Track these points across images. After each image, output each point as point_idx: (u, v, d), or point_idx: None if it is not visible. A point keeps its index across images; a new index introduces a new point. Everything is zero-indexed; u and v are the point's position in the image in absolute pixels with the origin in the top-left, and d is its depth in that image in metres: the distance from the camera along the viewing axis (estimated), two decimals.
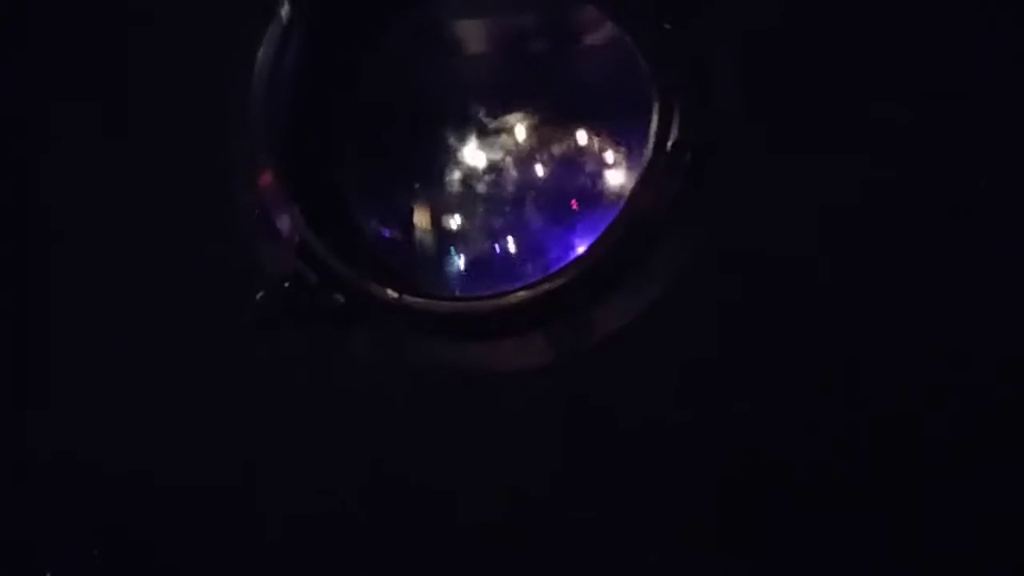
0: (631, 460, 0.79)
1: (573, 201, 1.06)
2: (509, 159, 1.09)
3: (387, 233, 1.05)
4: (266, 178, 0.94)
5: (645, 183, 0.88)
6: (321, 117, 1.02)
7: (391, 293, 0.90)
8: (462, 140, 1.07)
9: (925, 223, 0.72)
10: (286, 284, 0.90)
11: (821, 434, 0.73)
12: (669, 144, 0.85)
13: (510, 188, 1.10)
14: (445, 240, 1.08)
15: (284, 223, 0.93)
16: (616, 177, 1.03)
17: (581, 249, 1.03)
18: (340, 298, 0.91)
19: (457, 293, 0.99)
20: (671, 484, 0.77)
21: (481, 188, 1.09)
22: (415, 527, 0.85)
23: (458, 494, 0.84)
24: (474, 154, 1.07)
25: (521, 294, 0.87)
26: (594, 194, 1.06)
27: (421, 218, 1.11)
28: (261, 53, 0.97)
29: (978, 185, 0.71)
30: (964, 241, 0.71)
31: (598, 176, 1.06)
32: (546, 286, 0.85)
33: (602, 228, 0.97)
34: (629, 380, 0.80)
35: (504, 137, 1.09)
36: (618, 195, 1.06)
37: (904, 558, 0.70)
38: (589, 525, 0.80)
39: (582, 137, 1.07)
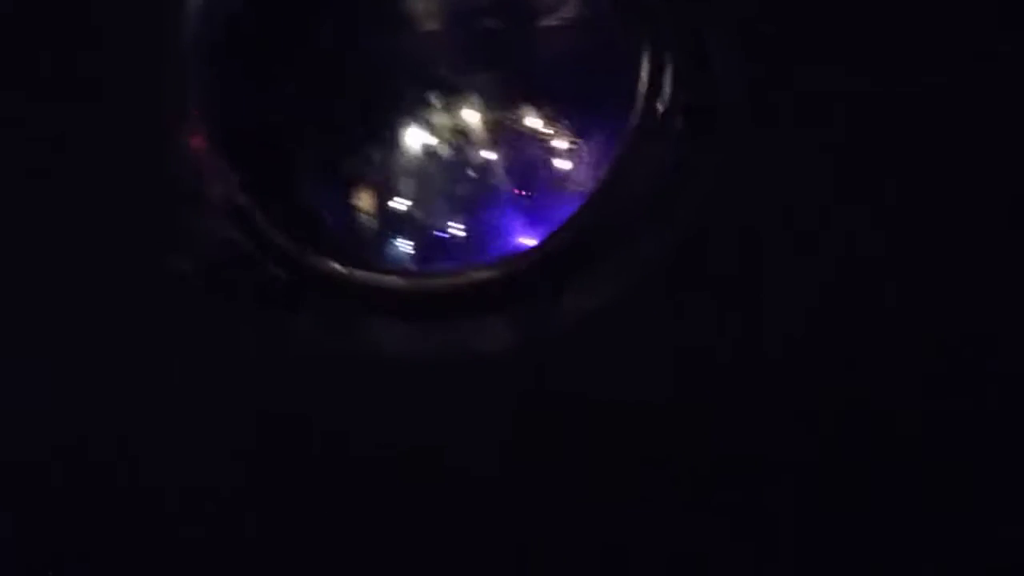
0: (594, 448, 0.70)
1: (522, 188, 0.97)
2: (458, 141, 1.01)
3: (327, 212, 0.95)
4: (198, 141, 0.82)
5: (629, 153, 0.81)
6: (263, 84, 0.91)
7: (339, 268, 0.79)
8: (410, 119, 0.98)
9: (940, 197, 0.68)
10: (218, 256, 0.77)
11: (817, 427, 0.67)
12: (659, 106, 0.79)
13: (458, 171, 1.00)
14: (388, 222, 0.98)
15: (218, 189, 0.81)
16: (567, 164, 0.95)
17: (529, 239, 0.94)
18: (281, 273, 0.79)
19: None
20: (634, 473, 0.69)
21: (427, 170, 1.00)
22: (362, 517, 0.74)
23: (409, 480, 0.73)
24: (421, 135, 0.98)
25: (486, 273, 0.78)
26: (544, 180, 0.97)
27: (364, 199, 1.00)
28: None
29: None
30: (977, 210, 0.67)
31: (549, 163, 0.98)
32: (516, 264, 0.76)
33: (551, 216, 0.88)
34: (599, 366, 0.72)
35: (454, 118, 1.00)
36: (569, 183, 0.99)
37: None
38: (546, 510, 0.71)
39: (535, 122, 0.98)
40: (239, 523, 0.90)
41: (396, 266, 0.99)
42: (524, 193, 1.05)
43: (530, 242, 1.01)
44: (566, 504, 0.85)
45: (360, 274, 0.86)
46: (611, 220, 0.82)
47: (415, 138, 1.05)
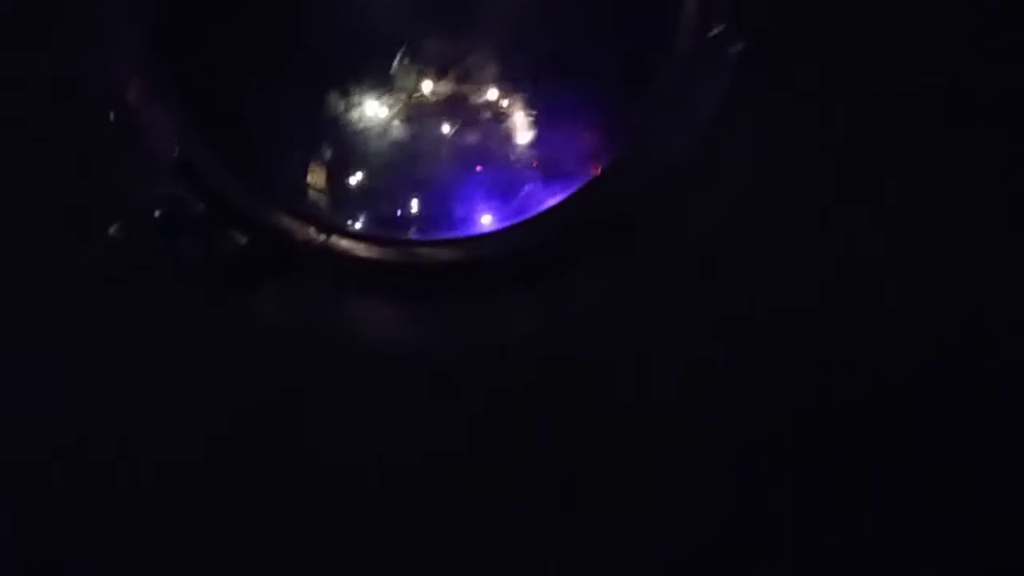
0: (619, 437, 0.65)
1: (478, 164, 0.91)
2: (416, 113, 0.94)
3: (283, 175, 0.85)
4: (138, 83, 0.70)
5: (678, 80, 0.72)
6: (211, 33, 0.80)
7: (314, 233, 0.68)
8: (367, 90, 0.90)
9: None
10: (157, 213, 0.64)
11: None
12: (712, 33, 0.70)
13: (415, 145, 0.93)
14: (343, 196, 0.89)
15: (161, 129, 0.68)
16: (525, 139, 0.89)
17: (485, 215, 0.87)
18: (240, 237, 0.67)
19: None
20: (650, 462, 0.64)
21: (384, 142, 0.92)
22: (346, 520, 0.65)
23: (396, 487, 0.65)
24: (377, 106, 0.90)
25: (495, 241, 0.69)
26: (501, 156, 0.91)
27: (316, 172, 0.91)
28: None
29: None
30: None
31: (507, 138, 0.92)
32: (540, 231, 0.68)
33: (508, 193, 0.82)
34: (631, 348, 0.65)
35: (412, 89, 0.93)
36: (526, 159, 0.93)
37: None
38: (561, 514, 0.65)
39: (493, 95, 0.92)
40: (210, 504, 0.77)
41: (385, 233, 0.86)
42: (477, 169, 0.98)
43: (487, 218, 0.95)
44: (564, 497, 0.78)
45: (341, 242, 0.74)
46: (637, 177, 0.74)
47: (369, 109, 0.97)
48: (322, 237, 0.68)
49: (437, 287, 0.72)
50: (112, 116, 0.71)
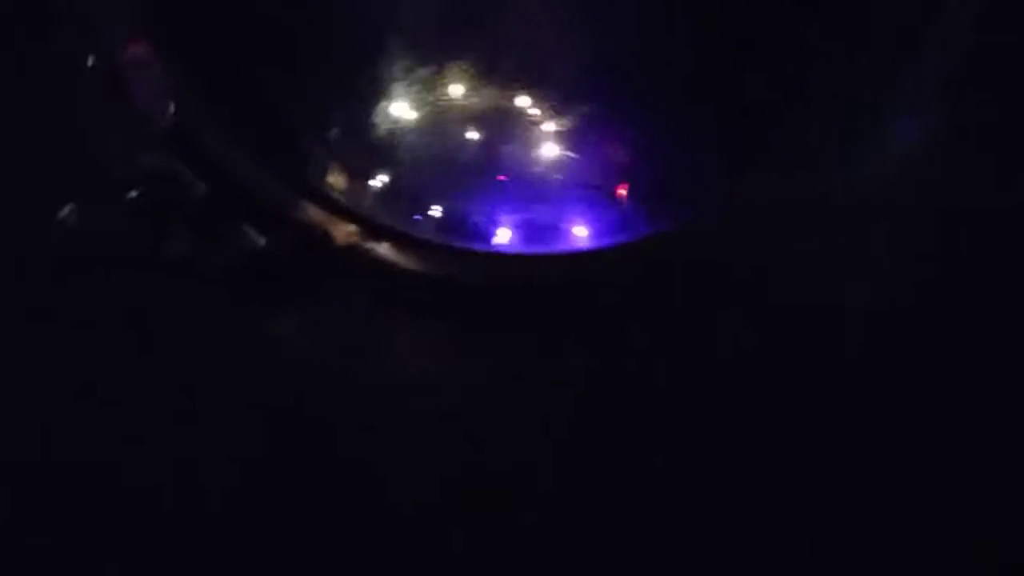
0: None
1: (502, 173, 0.86)
2: (439, 116, 0.89)
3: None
4: (136, 45, 0.61)
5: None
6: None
7: (349, 230, 0.58)
8: (387, 89, 0.86)
9: None
10: (136, 192, 0.54)
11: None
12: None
13: (437, 149, 0.88)
14: (385, 194, 0.85)
15: (155, 85, 0.58)
16: (552, 150, 0.84)
17: (504, 228, 0.82)
18: (255, 236, 0.58)
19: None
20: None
21: (405, 146, 0.87)
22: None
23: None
24: (399, 107, 0.85)
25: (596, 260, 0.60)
26: (525, 165, 0.86)
27: (336, 176, 0.86)
28: None
29: None
30: None
31: (533, 146, 0.87)
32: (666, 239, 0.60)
33: (530, 202, 0.76)
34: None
35: (434, 90, 0.88)
36: (551, 168, 0.88)
37: None
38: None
39: (523, 101, 0.88)
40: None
41: (454, 240, 0.82)
42: (501, 178, 0.95)
43: (505, 232, 0.91)
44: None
45: (384, 248, 0.64)
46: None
47: (392, 109, 0.93)
48: (370, 243, 0.58)
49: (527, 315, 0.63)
50: (91, 61, 0.61)
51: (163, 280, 0.59)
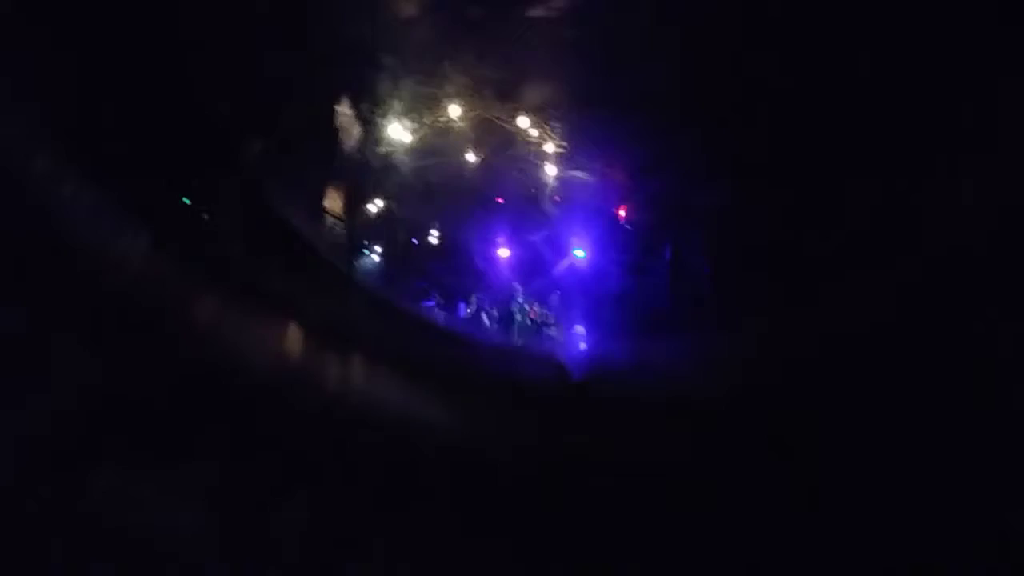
0: None
1: (502, 195, 0.82)
2: (437, 141, 0.85)
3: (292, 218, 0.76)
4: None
5: None
6: None
7: None
8: (385, 115, 0.81)
9: None
10: None
11: None
12: None
13: (437, 174, 0.84)
14: (359, 227, 0.80)
15: None
16: (551, 172, 0.81)
17: (504, 250, 0.79)
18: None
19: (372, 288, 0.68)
20: None
21: (403, 171, 0.83)
22: None
23: None
24: (398, 131, 0.82)
25: None
26: (524, 187, 0.83)
27: (334, 199, 0.82)
28: None
29: None
30: None
31: (532, 169, 0.84)
32: None
33: (530, 223, 0.74)
34: None
35: (434, 114, 0.84)
36: (550, 192, 0.84)
37: None
38: None
39: (523, 123, 0.84)
40: None
41: (351, 284, 0.78)
42: (499, 200, 0.91)
43: (504, 252, 0.88)
44: None
45: None
46: None
47: (391, 133, 0.89)
48: None
49: None
50: None
51: None
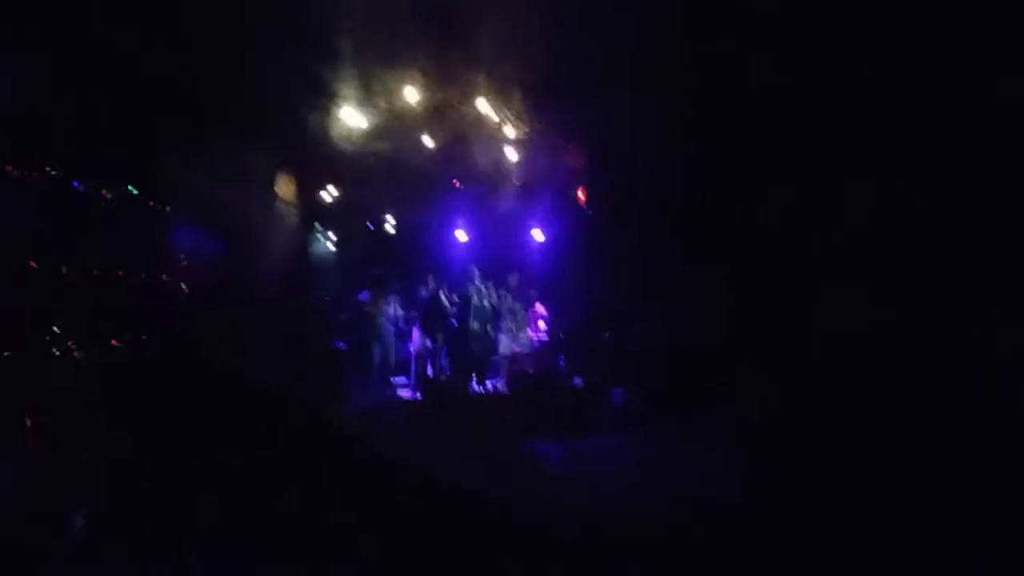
0: None
1: (462, 179, 0.82)
2: (394, 125, 0.84)
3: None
4: None
5: None
6: None
7: None
8: (340, 100, 0.80)
9: None
10: None
11: None
12: None
13: (391, 158, 0.83)
14: (313, 212, 0.80)
15: None
16: (510, 156, 0.79)
17: (463, 235, 0.79)
18: None
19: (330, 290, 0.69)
20: None
21: (358, 155, 0.82)
22: None
23: None
24: (354, 116, 0.80)
25: None
26: (482, 171, 0.82)
27: (285, 188, 0.80)
28: None
29: None
30: None
31: (494, 152, 0.82)
32: None
33: (488, 207, 0.75)
34: None
35: (391, 99, 0.82)
36: (509, 176, 0.84)
37: None
38: None
39: (482, 107, 0.82)
40: None
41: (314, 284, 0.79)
42: (456, 184, 0.92)
43: (463, 236, 0.89)
44: None
45: None
46: None
47: (347, 118, 0.87)
48: None
49: None
50: None
51: None
